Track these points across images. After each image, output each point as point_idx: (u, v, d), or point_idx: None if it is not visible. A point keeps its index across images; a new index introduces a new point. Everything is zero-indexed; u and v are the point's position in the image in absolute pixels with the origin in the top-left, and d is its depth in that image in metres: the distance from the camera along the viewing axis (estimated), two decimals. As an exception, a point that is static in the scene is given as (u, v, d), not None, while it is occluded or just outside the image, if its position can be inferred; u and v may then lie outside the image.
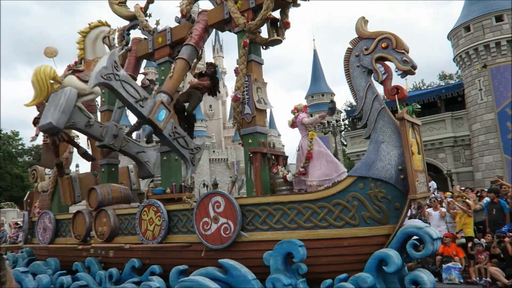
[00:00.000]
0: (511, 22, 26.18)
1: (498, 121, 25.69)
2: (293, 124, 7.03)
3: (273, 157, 7.03)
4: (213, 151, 70.97)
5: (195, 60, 8.10)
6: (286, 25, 7.05)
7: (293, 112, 7.06)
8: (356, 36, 6.21)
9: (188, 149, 7.66)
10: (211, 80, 8.07)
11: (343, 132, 33.66)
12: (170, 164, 7.93)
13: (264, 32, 7.15)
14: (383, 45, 5.93)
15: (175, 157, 7.97)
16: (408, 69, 5.73)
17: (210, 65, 8.22)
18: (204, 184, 44.96)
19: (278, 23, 7.06)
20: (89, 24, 8.30)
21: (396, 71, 5.93)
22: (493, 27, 26.51)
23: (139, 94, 7.02)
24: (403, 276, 5.76)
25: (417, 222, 6.80)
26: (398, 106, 5.76)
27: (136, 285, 6.98)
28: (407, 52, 5.84)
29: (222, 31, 7.74)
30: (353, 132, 31.33)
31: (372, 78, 6.07)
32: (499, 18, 26.36)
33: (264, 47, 7.22)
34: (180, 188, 7.57)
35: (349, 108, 42.76)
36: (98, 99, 9.56)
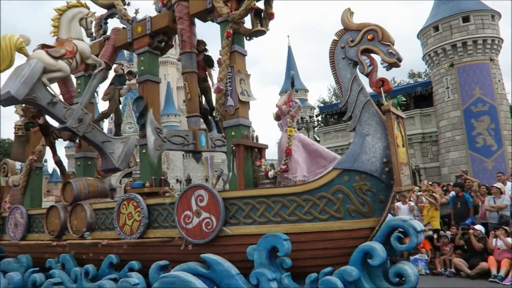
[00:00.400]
0: (477, 23, 26.78)
1: (463, 118, 26.24)
2: (278, 117, 6.86)
3: (256, 150, 6.84)
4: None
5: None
6: (270, 16, 6.86)
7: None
8: (342, 27, 6.09)
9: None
10: (206, 62, 8.14)
11: (316, 128, 33.85)
12: (149, 157, 7.62)
13: (247, 23, 6.94)
14: (369, 37, 5.81)
15: (155, 150, 7.69)
16: (394, 62, 5.63)
17: (200, 43, 8.07)
18: (177, 180, 44.40)
19: (262, 13, 6.85)
20: (67, 2, 7.89)
21: (382, 64, 5.84)
22: (460, 27, 27.02)
23: (182, 136, 7.53)
24: (387, 269, 5.68)
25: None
26: (383, 99, 5.67)
27: (114, 282, 6.70)
28: (393, 45, 5.75)
29: (205, 21, 7.48)
30: (326, 128, 31.53)
31: (358, 70, 5.97)
32: (466, 19, 26.89)
33: (247, 38, 7.01)
34: (160, 182, 7.30)
35: (322, 105, 42.98)
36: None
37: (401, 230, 5.51)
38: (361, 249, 5.42)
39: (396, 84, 43.26)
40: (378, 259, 5.26)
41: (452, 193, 12.29)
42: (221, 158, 58.84)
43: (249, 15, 6.83)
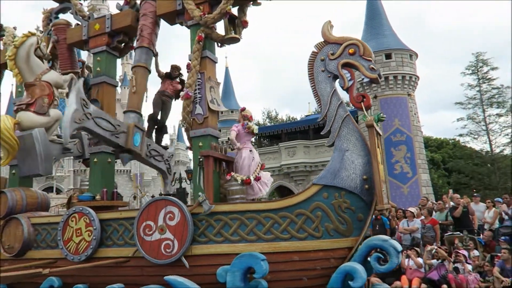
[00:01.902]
0: (397, 60, 28.35)
1: (384, 146, 27.33)
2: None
3: (224, 163, 6.15)
4: (115, 162, 65.43)
5: (153, 59, 7.15)
6: (244, 24, 6.30)
7: (250, 119, 6.27)
8: (322, 40, 5.71)
9: (163, 160, 7.18)
10: (181, 84, 7.32)
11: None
12: (102, 168, 6.61)
13: (219, 29, 6.34)
14: (350, 51, 5.47)
15: (107, 159, 6.68)
16: (375, 77, 5.34)
17: (175, 68, 7.40)
18: (134, 197, 41.10)
19: (236, 21, 6.28)
20: (14, 44, 6.62)
21: (362, 79, 5.51)
22: (383, 63, 28.37)
23: (112, 124, 6.10)
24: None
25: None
26: (365, 113, 5.31)
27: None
28: (373, 60, 5.45)
29: (172, 23, 6.71)
30: (259, 150, 31.28)
31: (337, 84, 5.59)
32: (388, 56, 28.36)
33: (219, 44, 6.38)
34: (112, 195, 6.33)
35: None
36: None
37: (380, 250, 5.13)
38: (341, 270, 4.94)
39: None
40: (360, 281, 4.79)
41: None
42: (152, 175, 55.65)
43: (221, 22, 6.25)
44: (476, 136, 30.33)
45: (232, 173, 5.85)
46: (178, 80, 7.49)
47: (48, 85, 6.45)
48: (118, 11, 6.94)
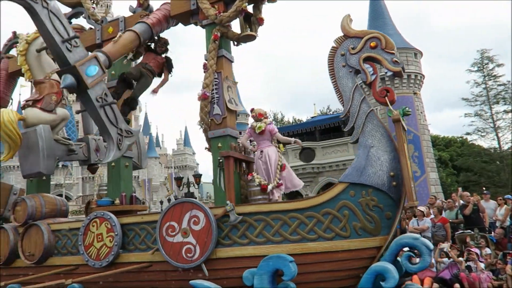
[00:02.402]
0: (402, 59, 28.08)
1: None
2: (263, 131, 6.01)
3: (244, 163, 5.97)
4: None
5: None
6: (260, 21, 6.13)
7: (258, 117, 6.06)
8: (339, 35, 5.53)
9: (117, 128, 5.68)
10: (166, 60, 6.70)
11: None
12: (119, 172, 6.44)
13: (234, 28, 6.17)
14: (372, 45, 5.29)
15: (125, 163, 6.51)
16: (399, 70, 5.15)
17: (163, 42, 6.72)
18: (161, 202, 40.68)
19: (252, 18, 6.12)
20: (26, 40, 6.56)
21: (386, 73, 5.32)
22: (389, 62, 28.13)
23: (68, 34, 5.34)
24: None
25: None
26: (390, 108, 5.12)
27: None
28: (395, 53, 5.26)
29: (186, 24, 6.55)
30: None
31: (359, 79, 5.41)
32: (393, 55, 28.06)
33: (235, 43, 6.21)
34: (131, 199, 6.17)
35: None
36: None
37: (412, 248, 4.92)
38: (372, 270, 4.73)
39: (331, 112, 44.12)
40: (392, 281, 4.59)
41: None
42: (159, 180, 54.71)
43: (236, 21, 6.10)
44: (483, 134, 30.02)
45: (253, 173, 5.67)
46: (163, 56, 6.76)
47: (57, 84, 6.32)
48: (131, 14, 6.79)
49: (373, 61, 5.33)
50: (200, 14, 6.14)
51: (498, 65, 30.68)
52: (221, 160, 5.64)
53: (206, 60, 5.97)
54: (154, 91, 6.58)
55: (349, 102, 5.34)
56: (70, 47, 5.28)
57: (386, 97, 5.16)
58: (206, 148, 6.08)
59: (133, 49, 6.37)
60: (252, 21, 6.15)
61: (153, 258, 5.31)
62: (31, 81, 6.88)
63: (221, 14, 5.90)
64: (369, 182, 4.97)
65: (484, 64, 31.13)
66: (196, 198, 20.53)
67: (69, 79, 5.18)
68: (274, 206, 5.17)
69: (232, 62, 6.25)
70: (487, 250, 8.67)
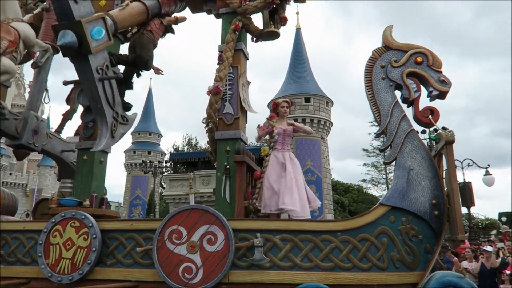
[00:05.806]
0: (315, 105, 29.06)
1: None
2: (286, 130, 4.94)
3: (248, 173, 4.78)
4: (10, 174, 52.70)
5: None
6: (284, 21, 5.17)
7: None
8: (382, 45, 4.83)
9: (114, 110, 4.66)
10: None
11: (163, 174, 30.99)
12: (92, 167, 4.75)
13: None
14: (417, 60, 4.66)
15: (100, 158, 4.83)
16: (446, 90, 4.55)
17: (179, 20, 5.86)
18: None
19: (275, 16, 5.15)
20: None
21: (431, 91, 4.69)
22: (302, 105, 29.00)
23: None
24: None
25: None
26: (436, 127, 4.49)
27: None
28: (443, 72, 4.68)
29: (195, 10, 5.30)
30: (173, 175, 29.14)
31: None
32: (307, 100, 29.05)
33: (254, 39, 5.15)
34: (101, 201, 4.56)
35: (174, 151, 40.44)
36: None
37: (453, 288, 4.17)
38: (415, 311, 3.84)
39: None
40: (437, 325, 3.73)
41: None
42: (51, 192, 47.55)
43: (259, 14, 5.08)
44: (376, 184, 31.97)
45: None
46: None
47: (15, 33, 4.77)
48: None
49: (416, 78, 4.69)
50: (218, 2, 5.02)
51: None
52: (227, 167, 4.43)
53: (221, 51, 4.80)
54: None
55: (387, 117, 4.57)
56: None
57: (430, 117, 4.53)
58: (209, 151, 4.80)
59: (139, 23, 5.07)
60: (275, 19, 5.17)
61: (142, 277, 3.77)
62: None
63: (247, 3, 4.83)
64: (411, 208, 4.17)
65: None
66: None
67: (69, 36, 4.01)
68: (304, 224, 4.06)
69: (248, 59, 5.15)
70: None
